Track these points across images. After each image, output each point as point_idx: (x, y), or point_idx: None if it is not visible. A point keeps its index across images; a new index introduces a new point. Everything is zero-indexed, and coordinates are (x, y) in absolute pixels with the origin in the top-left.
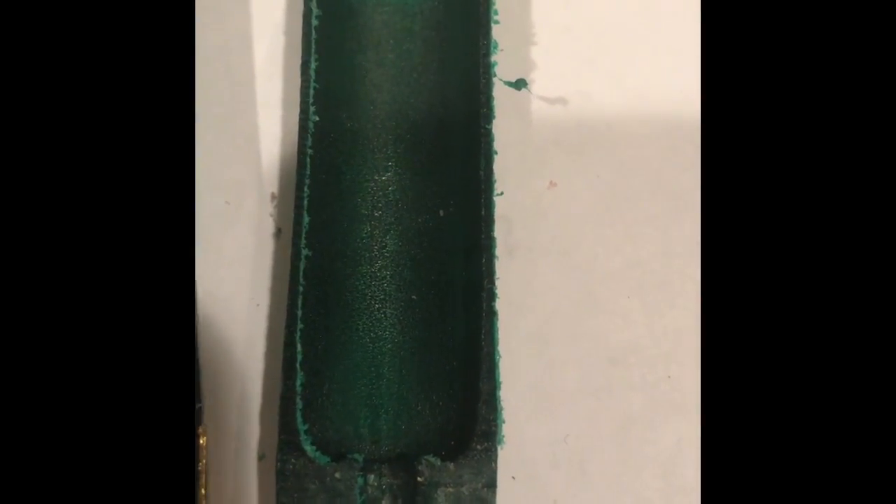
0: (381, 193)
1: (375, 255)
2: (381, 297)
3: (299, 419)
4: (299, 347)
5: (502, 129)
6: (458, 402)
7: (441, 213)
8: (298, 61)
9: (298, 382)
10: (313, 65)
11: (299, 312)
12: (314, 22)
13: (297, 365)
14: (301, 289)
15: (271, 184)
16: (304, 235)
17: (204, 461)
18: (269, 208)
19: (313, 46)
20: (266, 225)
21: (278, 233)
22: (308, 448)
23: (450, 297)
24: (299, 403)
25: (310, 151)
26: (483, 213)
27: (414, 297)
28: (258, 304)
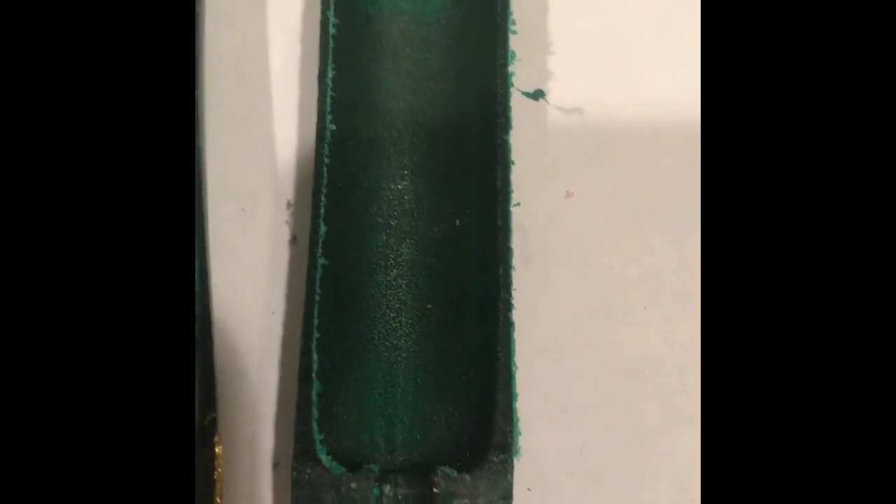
0: (396, 202)
1: (391, 263)
2: (397, 306)
3: (315, 428)
4: (315, 356)
5: (519, 139)
6: (474, 412)
7: (457, 222)
8: (313, 68)
9: (314, 391)
10: (330, 73)
11: (315, 321)
12: (332, 31)
13: (313, 374)
14: (317, 298)
15: (287, 191)
16: (320, 244)
17: (219, 470)
18: (284, 216)
19: (331, 55)
20: (282, 232)
21: (294, 240)
22: (323, 457)
23: (465, 306)
24: (315, 413)
25: (326, 160)
26: (499, 223)
27: (429, 306)
28: (273, 312)
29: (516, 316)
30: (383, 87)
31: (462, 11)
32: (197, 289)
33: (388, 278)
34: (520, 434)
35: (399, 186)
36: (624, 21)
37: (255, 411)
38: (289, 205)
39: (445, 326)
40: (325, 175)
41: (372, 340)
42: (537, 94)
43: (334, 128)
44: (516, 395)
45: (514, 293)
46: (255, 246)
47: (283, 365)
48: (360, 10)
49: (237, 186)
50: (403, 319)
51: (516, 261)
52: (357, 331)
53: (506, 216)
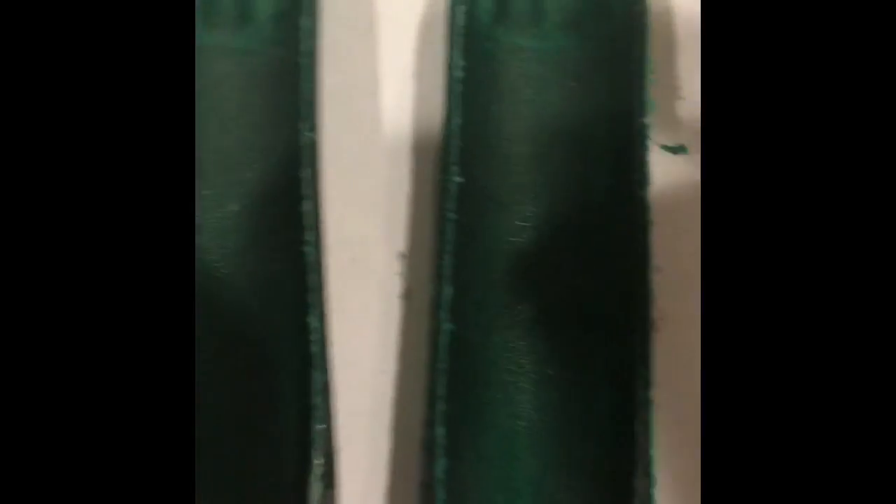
0: (516, 257)
1: (510, 324)
2: (515, 370)
3: None
4: (441, 429)
5: (656, 196)
6: (606, 494)
7: (589, 281)
8: (427, 108)
9: (440, 468)
10: (457, 120)
11: (441, 391)
12: (458, 74)
13: (439, 448)
14: (442, 365)
15: (399, 241)
16: (445, 307)
17: None
18: (396, 267)
19: (457, 100)
20: (393, 285)
21: (407, 294)
22: None
23: (592, 373)
24: (442, 493)
25: (451, 216)
26: (637, 286)
27: (550, 372)
28: (384, 371)
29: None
30: (503, 130)
31: (588, 50)
32: (314, 349)
33: (506, 340)
34: None
35: (520, 239)
36: None
37: (367, 479)
38: (401, 256)
39: (569, 395)
40: (449, 231)
41: (489, 407)
42: (679, 150)
43: (461, 180)
44: (655, 479)
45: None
46: (366, 298)
47: (397, 430)
48: (481, 47)
49: (348, 234)
50: (523, 385)
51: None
52: (476, 398)
53: (645, 279)
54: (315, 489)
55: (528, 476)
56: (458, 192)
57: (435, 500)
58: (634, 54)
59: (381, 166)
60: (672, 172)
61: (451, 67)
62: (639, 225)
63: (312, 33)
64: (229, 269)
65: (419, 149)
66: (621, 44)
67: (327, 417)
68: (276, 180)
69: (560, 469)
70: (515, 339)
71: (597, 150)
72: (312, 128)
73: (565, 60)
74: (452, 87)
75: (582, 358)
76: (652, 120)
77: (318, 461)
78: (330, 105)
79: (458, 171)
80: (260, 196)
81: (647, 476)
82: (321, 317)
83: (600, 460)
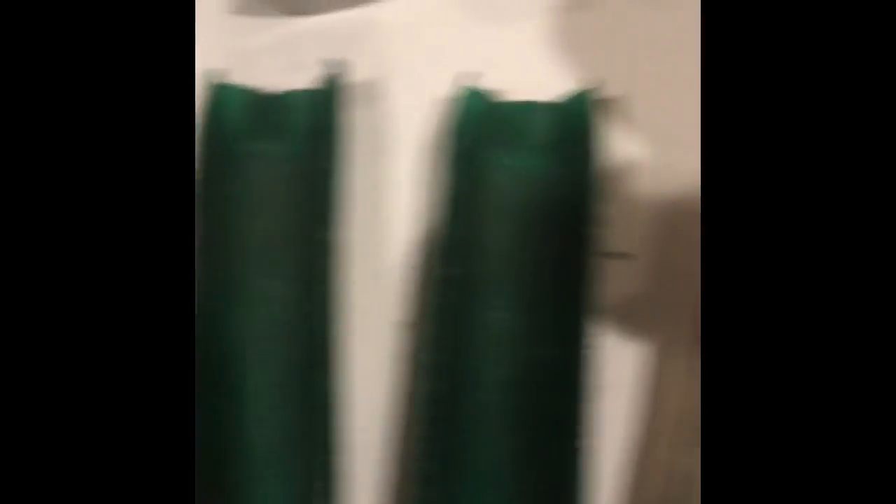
0: (493, 330)
1: (487, 383)
2: (486, 422)
3: None
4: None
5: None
6: None
7: (547, 351)
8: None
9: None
10: (449, 229)
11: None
12: (450, 191)
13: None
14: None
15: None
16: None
17: None
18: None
19: (450, 212)
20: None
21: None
22: None
23: (545, 426)
24: None
25: (438, 300)
26: (578, 361)
27: (513, 423)
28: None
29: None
30: (486, 232)
31: (561, 168)
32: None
33: (481, 398)
34: None
35: (497, 315)
36: None
37: None
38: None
39: (530, 442)
40: (433, 311)
41: (462, 456)
42: (624, 255)
43: (447, 271)
44: None
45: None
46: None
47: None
48: (471, 166)
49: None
50: (494, 434)
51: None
52: (454, 445)
53: (585, 356)
54: None
55: None
56: (443, 280)
57: None
58: (591, 170)
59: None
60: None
61: (444, 185)
62: (584, 310)
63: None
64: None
65: (420, 244)
66: (584, 163)
67: None
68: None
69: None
70: (491, 396)
71: (558, 250)
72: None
73: (542, 176)
74: (444, 201)
75: (540, 413)
76: (601, 231)
77: None
78: (352, 205)
79: (445, 263)
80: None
81: None
82: None
83: (548, 497)
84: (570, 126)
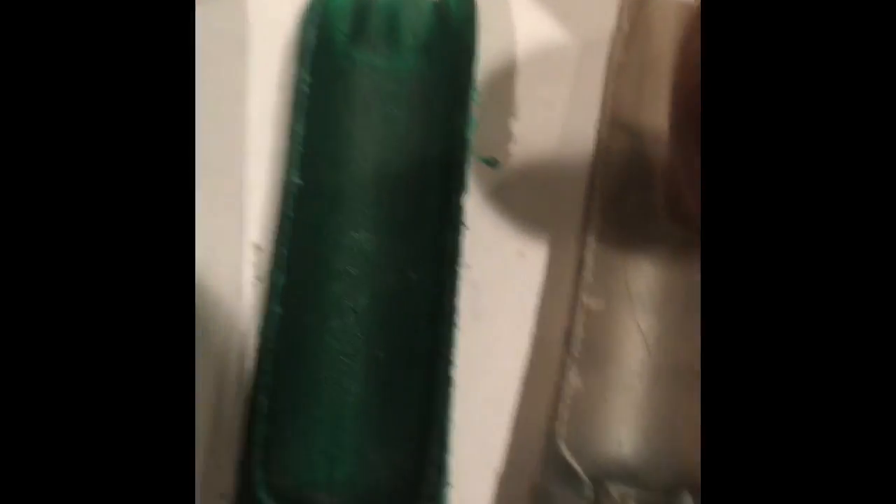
0: (357, 250)
1: (347, 310)
2: (350, 352)
3: (258, 470)
4: (264, 399)
5: (475, 203)
6: (411, 462)
7: (412, 276)
8: (288, 118)
9: (260, 433)
10: (301, 130)
11: (266, 367)
12: (303, 88)
13: (260, 417)
14: (270, 346)
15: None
16: (277, 294)
17: None
18: (251, 257)
19: (300, 111)
20: (246, 273)
21: (257, 280)
22: (263, 496)
23: (413, 358)
24: (259, 453)
25: (290, 214)
26: (447, 283)
27: (381, 354)
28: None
29: (463, 371)
30: (352, 139)
31: (435, 72)
32: None
33: (343, 325)
34: (451, 486)
35: (359, 236)
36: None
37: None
38: (257, 249)
39: (394, 376)
40: (287, 228)
41: (323, 384)
42: (492, 163)
43: (300, 182)
44: (450, 449)
45: (457, 351)
46: (220, 283)
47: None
48: (335, 66)
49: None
50: (355, 366)
51: (467, 316)
52: (310, 374)
53: (453, 277)
54: None
55: (351, 445)
56: (296, 193)
57: (254, 461)
58: (465, 76)
59: (243, 168)
60: (490, 179)
61: (297, 81)
62: (454, 227)
63: None
64: None
65: (279, 152)
66: (461, 67)
67: None
68: None
69: (380, 440)
70: (352, 325)
71: (431, 161)
72: None
73: (414, 79)
74: (297, 99)
75: (408, 342)
76: (472, 135)
77: None
78: (203, 109)
79: (298, 174)
80: None
81: (441, 443)
82: None
83: (411, 433)
84: (448, 24)
